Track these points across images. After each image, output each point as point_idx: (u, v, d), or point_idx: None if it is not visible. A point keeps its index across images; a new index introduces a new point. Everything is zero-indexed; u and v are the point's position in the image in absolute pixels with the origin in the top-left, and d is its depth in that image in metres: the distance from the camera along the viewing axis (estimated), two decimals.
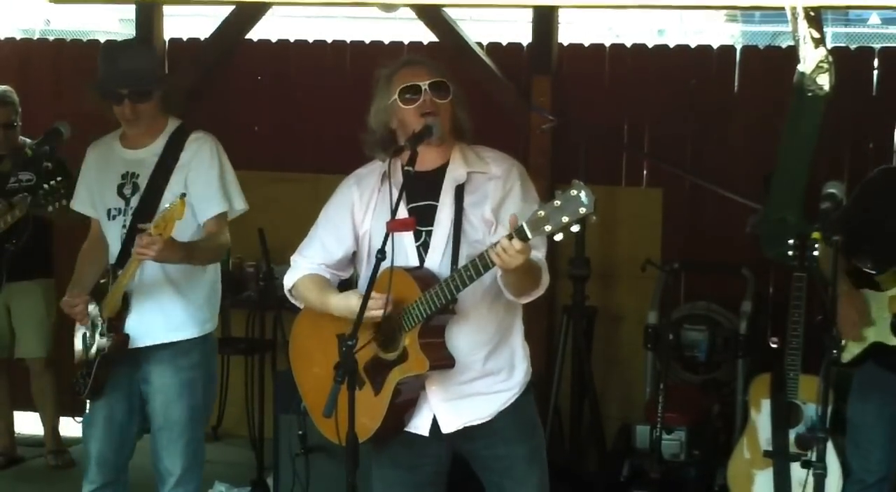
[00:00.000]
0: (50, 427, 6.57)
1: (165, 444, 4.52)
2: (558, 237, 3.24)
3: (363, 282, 3.76)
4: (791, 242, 4.71)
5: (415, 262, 3.68)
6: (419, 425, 3.75)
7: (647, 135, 6.56)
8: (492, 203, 3.68)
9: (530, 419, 3.85)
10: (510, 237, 3.31)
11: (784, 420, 4.99)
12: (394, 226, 3.55)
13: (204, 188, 4.42)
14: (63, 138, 5.68)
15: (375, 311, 3.52)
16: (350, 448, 3.61)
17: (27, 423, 6.83)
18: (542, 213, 3.24)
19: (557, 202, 3.22)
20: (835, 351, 4.54)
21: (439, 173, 3.72)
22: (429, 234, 3.69)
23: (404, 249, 3.65)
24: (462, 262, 3.60)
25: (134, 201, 4.40)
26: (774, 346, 5.53)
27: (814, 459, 3.98)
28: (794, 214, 4.94)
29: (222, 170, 4.48)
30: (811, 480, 4.01)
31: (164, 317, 4.44)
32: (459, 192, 3.70)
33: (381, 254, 3.50)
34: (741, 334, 5.89)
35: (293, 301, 3.93)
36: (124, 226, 4.40)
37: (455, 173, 3.72)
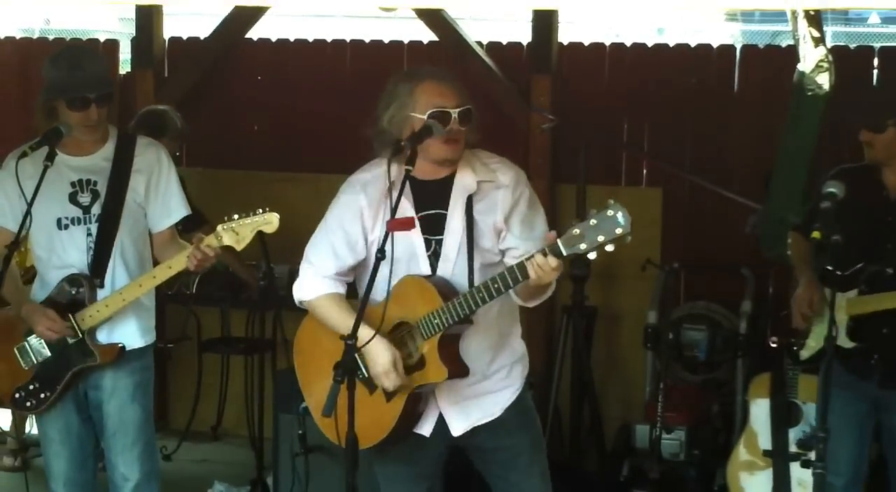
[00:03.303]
0: None
1: (121, 449, 4.43)
2: (592, 255, 3.27)
3: (364, 285, 3.76)
4: (791, 242, 4.71)
5: (426, 270, 3.71)
6: (423, 427, 3.80)
7: (647, 135, 6.56)
8: (502, 212, 3.71)
9: (530, 410, 3.94)
10: (545, 253, 3.35)
11: (784, 420, 4.99)
12: (393, 225, 3.56)
13: (166, 195, 4.41)
14: (62, 139, 5.68)
15: (388, 384, 3.64)
16: (350, 448, 3.62)
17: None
18: (577, 231, 3.28)
19: (594, 221, 3.26)
20: (795, 348, 4.57)
21: (447, 182, 3.73)
22: (439, 243, 3.72)
23: (416, 258, 3.70)
24: (477, 269, 3.68)
25: (96, 209, 4.33)
26: (774, 346, 5.52)
27: (814, 459, 3.97)
28: (794, 214, 4.93)
29: (177, 177, 4.48)
30: (811, 480, 4.00)
31: (137, 323, 4.42)
32: (469, 201, 3.71)
33: (381, 253, 3.51)
34: (741, 334, 5.88)
35: (302, 307, 3.94)
36: (90, 234, 4.32)
37: (464, 182, 3.73)
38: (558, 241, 3.33)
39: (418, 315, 3.63)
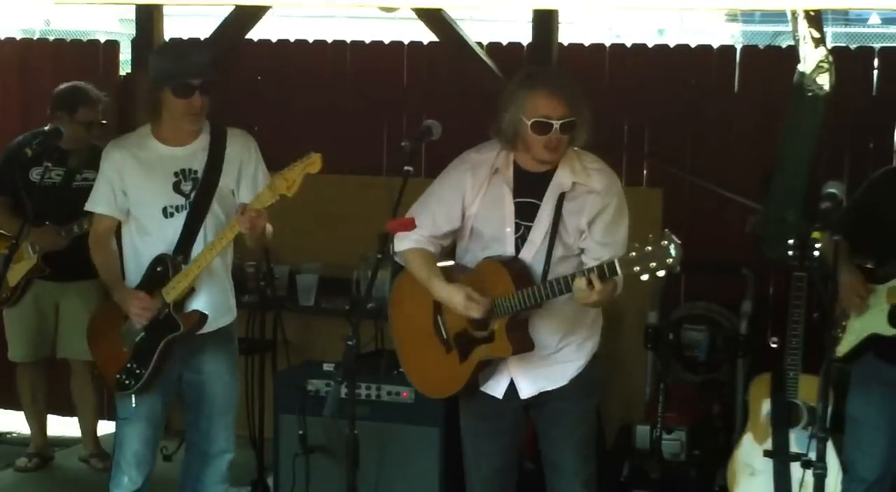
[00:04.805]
0: (90, 430, 6.52)
1: (223, 426, 4.66)
2: (644, 277, 3.70)
3: (460, 253, 4.27)
4: (791, 242, 4.71)
5: (511, 251, 4.12)
6: (496, 389, 4.24)
7: (647, 135, 6.56)
8: (588, 216, 4.10)
9: (591, 384, 4.37)
10: (601, 273, 3.78)
11: (784, 420, 4.99)
12: (393, 226, 3.86)
13: (255, 181, 4.58)
14: (63, 138, 5.69)
15: (475, 313, 4.04)
16: (350, 448, 3.63)
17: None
18: (633, 254, 3.71)
19: (649, 248, 3.68)
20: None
21: (546, 176, 4.12)
22: (528, 229, 4.12)
23: (504, 237, 4.12)
24: (556, 259, 4.08)
25: (193, 196, 4.50)
26: (774, 346, 5.52)
27: (814, 459, 3.97)
28: (794, 213, 4.94)
29: (263, 164, 4.65)
30: (811, 480, 4.00)
31: (217, 301, 4.58)
32: (561, 197, 4.09)
33: (382, 254, 3.97)
34: (741, 334, 5.88)
35: (399, 261, 4.35)
36: (187, 219, 4.49)
37: (561, 180, 4.11)
38: (616, 260, 3.75)
39: (492, 296, 4.04)
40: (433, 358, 4.26)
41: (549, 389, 4.24)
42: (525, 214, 4.13)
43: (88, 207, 4.66)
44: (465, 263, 4.24)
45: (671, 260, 3.64)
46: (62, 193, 5.86)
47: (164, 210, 4.50)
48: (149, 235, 4.53)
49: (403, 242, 4.24)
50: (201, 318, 4.51)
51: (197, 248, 4.48)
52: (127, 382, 4.54)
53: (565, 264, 4.08)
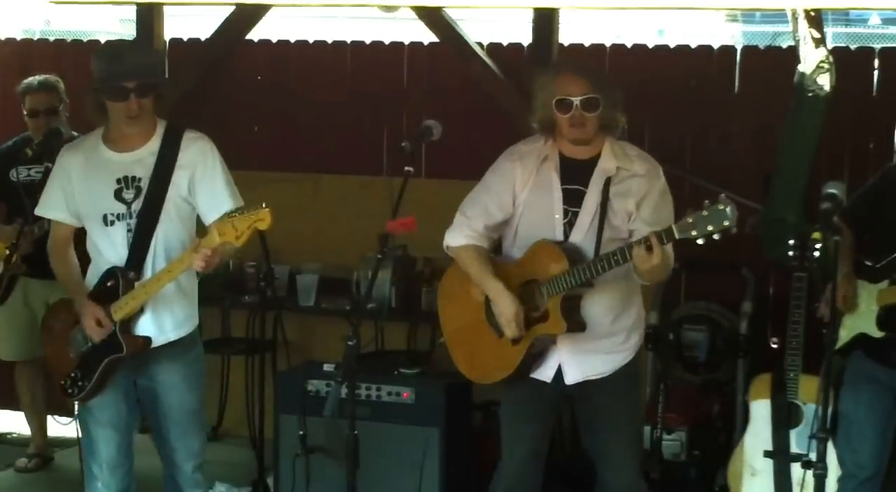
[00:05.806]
0: None
1: (182, 434, 4.54)
2: (700, 241, 3.83)
3: (506, 248, 4.42)
4: (791, 242, 4.71)
5: (560, 236, 4.27)
6: (545, 373, 4.36)
7: (647, 135, 6.55)
8: (636, 198, 4.27)
9: (635, 379, 4.51)
10: (660, 238, 3.90)
11: (784, 420, 4.99)
12: (393, 226, 3.92)
13: (212, 189, 4.40)
14: (62, 138, 5.68)
15: (510, 333, 4.22)
16: (350, 448, 3.64)
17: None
18: (690, 219, 3.85)
19: (705, 212, 3.83)
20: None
21: (591, 163, 4.30)
22: (575, 214, 4.28)
23: (553, 222, 4.28)
24: (605, 242, 4.23)
25: (136, 205, 4.35)
26: (774, 346, 5.52)
27: (814, 459, 3.97)
28: (794, 214, 4.94)
29: (224, 169, 4.47)
30: (811, 480, 4.00)
31: (172, 316, 4.46)
32: (607, 182, 4.26)
33: (382, 254, 4.04)
34: (741, 334, 5.88)
35: (448, 253, 4.45)
36: (129, 230, 4.36)
37: (606, 165, 4.28)
38: (673, 225, 3.90)
39: (547, 275, 4.19)
40: (485, 344, 4.38)
41: (594, 377, 4.34)
42: (572, 201, 4.28)
43: (38, 211, 4.55)
44: (512, 256, 4.38)
45: (728, 222, 3.78)
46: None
47: (105, 218, 4.36)
48: (96, 244, 4.42)
49: (457, 238, 4.37)
50: (145, 342, 4.39)
51: (149, 260, 4.35)
52: (70, 390, 4.48)
53: (615, 246, 4.18)
